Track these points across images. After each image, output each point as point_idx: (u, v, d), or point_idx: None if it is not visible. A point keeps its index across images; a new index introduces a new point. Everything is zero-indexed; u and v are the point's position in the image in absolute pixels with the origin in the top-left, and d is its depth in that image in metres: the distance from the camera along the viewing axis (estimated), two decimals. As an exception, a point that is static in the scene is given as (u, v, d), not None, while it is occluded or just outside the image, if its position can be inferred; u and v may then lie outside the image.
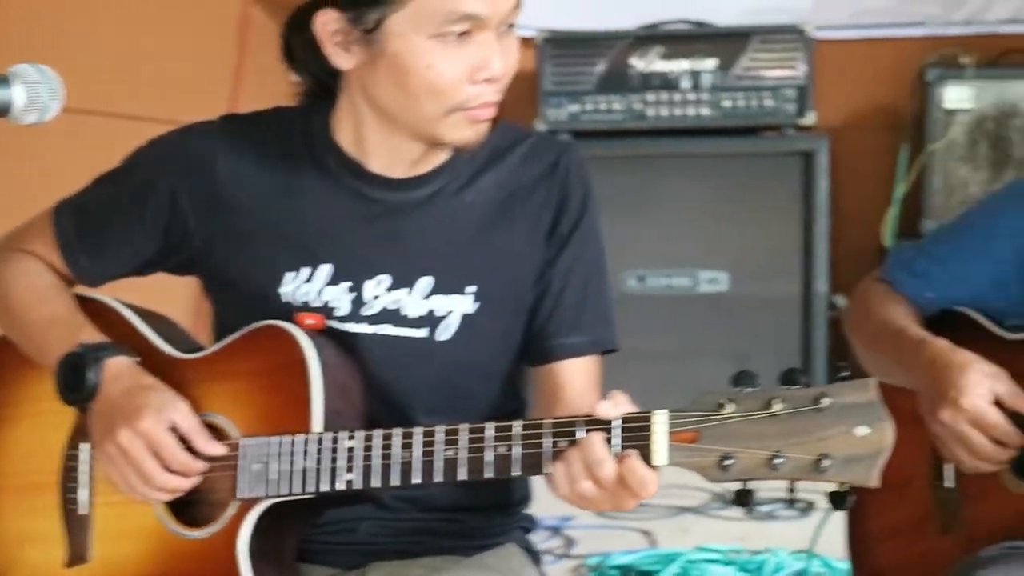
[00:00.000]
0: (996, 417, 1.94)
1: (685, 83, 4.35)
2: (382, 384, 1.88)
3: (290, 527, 1.85)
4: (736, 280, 4.32)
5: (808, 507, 3.32)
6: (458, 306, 1.88)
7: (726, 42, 4.36)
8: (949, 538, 2.07)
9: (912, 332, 2.09)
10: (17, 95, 1.62)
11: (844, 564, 2.34)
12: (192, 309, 3.18)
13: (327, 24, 1.76)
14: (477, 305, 1.88)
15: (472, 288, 1.88)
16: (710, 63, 4.35)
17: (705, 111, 4.34)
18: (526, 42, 4.46)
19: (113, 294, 2.03)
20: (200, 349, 1.94)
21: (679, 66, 4.36)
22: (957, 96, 4.26)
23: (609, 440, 1.60)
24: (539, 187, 1.90)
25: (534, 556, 2.07)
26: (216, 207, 1.89)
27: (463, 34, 1.73)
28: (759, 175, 4.30)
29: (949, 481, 2.07)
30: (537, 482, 2.02)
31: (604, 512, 1.69)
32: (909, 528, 2.15)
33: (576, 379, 1.90)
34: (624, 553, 3.19)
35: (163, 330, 1.97)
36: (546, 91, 4.40)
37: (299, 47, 1.85)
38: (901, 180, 4.40)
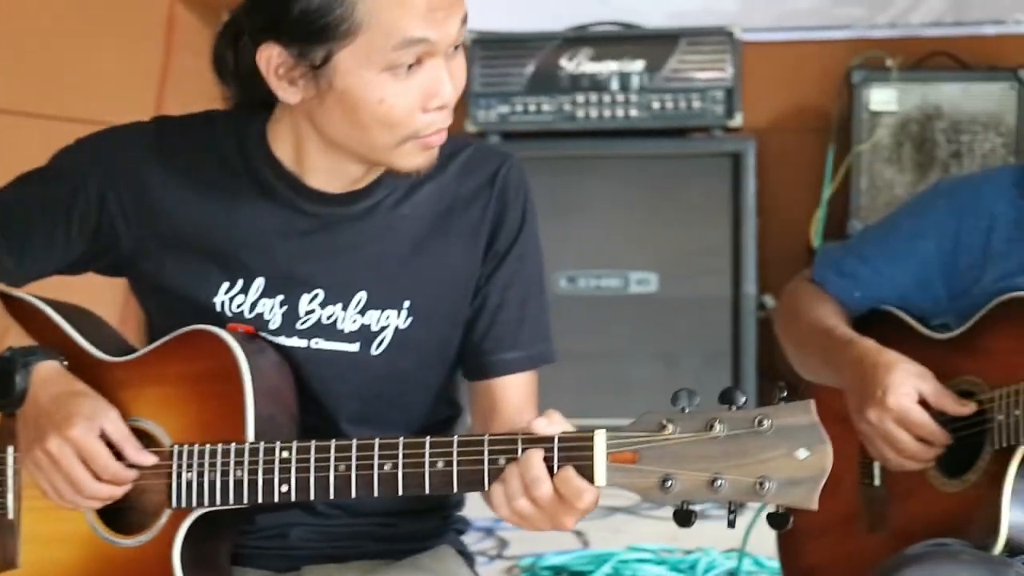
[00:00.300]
0: (921, 416, 1.96)
1: (614, 84, 4.35)
2: (311, 395, 1.87)
3: (223, 533, 1.85)
4: (665, 281, 4.33)
5: (739, 507, 3.34)
6: (392, 321, 1.86)
7: (654, 44, 4.37)
8: (876, 536, 2.10)
9: (840, 332, 2.11)
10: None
11: (775, 563, 2.36)
12: (120, 307, 3.15)
13: (271, 59, 1.72)
14: (411, 320, 1.87)
15: (407, 303, 1.87)
16: (638, 65, 4.35)
17: (634, 112, 4.35)
18: (456, 43, 4.47)
19: (42, 291, 1.99)
20: (128, 349, 1.92)
21: (608, 68, 4.36)
22: (882, 98, 4.30)
23: (549, 459, 1.60)
24: (477, 201, 1.88)
25: (468, 557, 2.07)
26: (147, 214, 1.86)
27: (413, 64, 1.70)
28: (687, 176, 4.31)
29: (877, 479, 2.10)
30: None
31: (543, 531, 1.68)
32: (837, 526, 2.16)
33: (514, 394, 1.90)
34: (557, 554, 3.21)
35: (89, 329, 1.94)
36: (475, 92, 4.38)
37: (231, 60, 1.82)
38: (828, 181, 4.43)
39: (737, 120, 4.32)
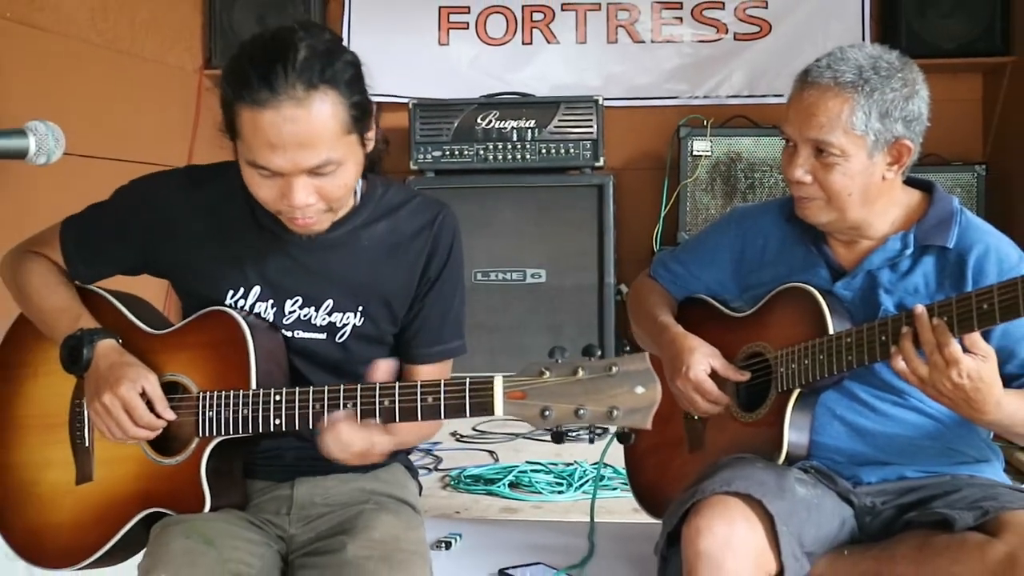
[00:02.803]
0: (711, 386, 2.00)
1: (514, 136, 4.33)
2: (293, 369, 1.87)
3: (236, 453, 1.86)
4: (551, 274, 4.31)
5: (603, 432, 3.38)
6: (351, 320, 1.86)
7: (542, 108, 4.35)
8: (696, 454, 2.12)
9: (661, 319, 2.12)
10: (31, 143, 1.62)
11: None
12: (164, 295, 3.10)
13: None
14: (363, 319, 1.87)
15: (360, 308, 1.87)
16: (531, 123, 4.33)
17: (528, 156, 4.32)
18: (401, 107, 4.46)
19: (112, 286, 2.00)
20: (167, 326, 1.92)
21: (510, 124, 4.34)
22: (700, 147, 4.31)
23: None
24: (418, 238, 1.88)
25: (413, 471, 2.08)
26: (177, 240, 1.86)
27: (273, 174, 1.66)
28: (566, 201, 4.30)
29: (695, 415, 2.10)
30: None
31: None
32: (668, 448, 2.19)
33: (432, 375, 1.91)
34: (476, 467, 3.21)
35: (140, 311, 1.94)
36: (416, 141, 4.36)
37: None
38: (664, 205, 4.46)
39: (600, 162, 4.31)
